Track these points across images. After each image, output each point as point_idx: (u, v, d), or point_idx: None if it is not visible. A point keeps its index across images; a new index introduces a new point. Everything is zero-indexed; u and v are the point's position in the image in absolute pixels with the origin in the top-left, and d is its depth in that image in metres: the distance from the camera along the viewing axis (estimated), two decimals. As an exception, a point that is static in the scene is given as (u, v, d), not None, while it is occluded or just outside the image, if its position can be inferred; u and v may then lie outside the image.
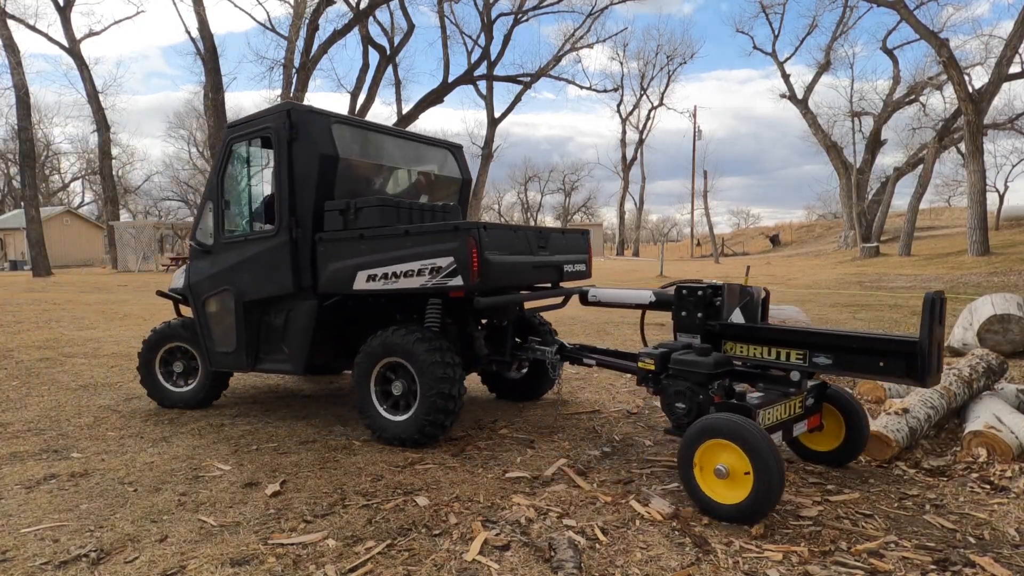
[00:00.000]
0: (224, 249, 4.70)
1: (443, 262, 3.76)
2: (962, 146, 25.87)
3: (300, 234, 4.29)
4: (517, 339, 4.81)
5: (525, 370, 5.23)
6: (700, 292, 3.59)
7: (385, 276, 3.97)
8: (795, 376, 3.34)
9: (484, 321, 4.94)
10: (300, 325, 4.39)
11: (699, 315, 3.60)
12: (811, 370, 3.28)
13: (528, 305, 4.83)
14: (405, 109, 30.74)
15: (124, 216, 53.33)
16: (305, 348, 4.38)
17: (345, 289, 4.16)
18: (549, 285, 4.71)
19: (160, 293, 5.49)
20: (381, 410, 4.14)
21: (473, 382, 5.67)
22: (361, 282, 4.07)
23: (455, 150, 5.54)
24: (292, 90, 25.14)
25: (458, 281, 3.72)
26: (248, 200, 4.85)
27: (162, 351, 5.13)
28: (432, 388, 3.86)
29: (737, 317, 3.58)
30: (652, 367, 3.53)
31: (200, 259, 4.85)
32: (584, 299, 4.46)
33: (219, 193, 4.70)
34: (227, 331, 4.71)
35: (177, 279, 5.12)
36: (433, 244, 3.80)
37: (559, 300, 4.91)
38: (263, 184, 4.89)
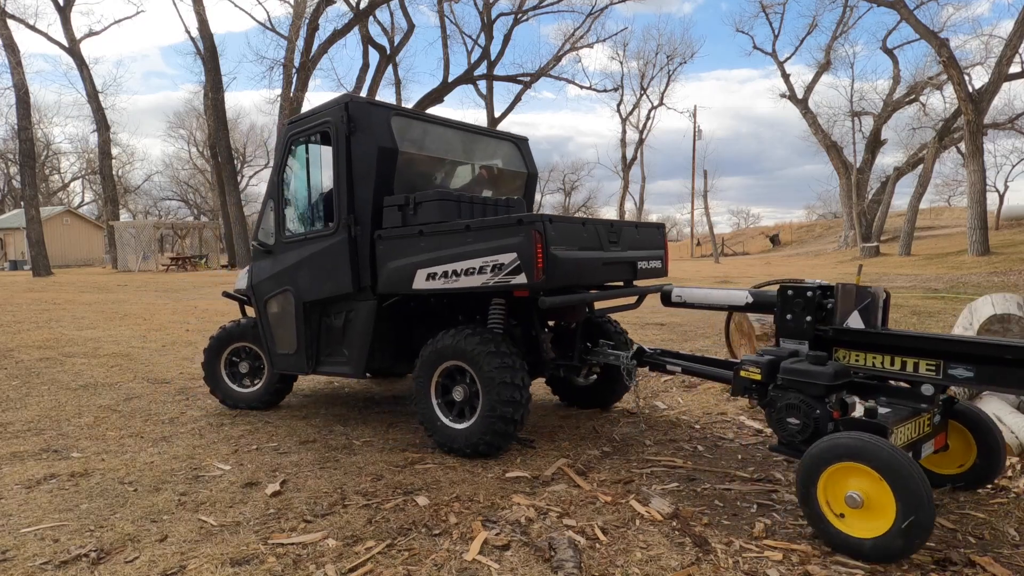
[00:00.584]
0: (284, 249, 4.60)
1: (506, 259, 3.51)
2: (962, 146, 25.88)
3: (359, 232, 4.13)
4: (587, 343, 4.55)
5: (595, 376, 4.90)
6: (809, 293, 3.22)
7: (445, 275, 3.75)
8: (928, 390, 2.97)
9: (551, 323, 4.73)
10: (359, 327, 4.24)
11: (808, 318, 3.22)
12: (946, 383, 2.91)
13: (598, 306, 4.59)
14: (405, 109, 30.71)
15: (124, 216, 53.37)
16: (364, 351, 4.23)
17: (404, 289, 3.96)
18: (621, 284, 4.41)
19: (225, 294, 5.45)
20: (443, 418, 3.92)
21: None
22: (420, 281, 3.86)
23: (520, 143, 5.33)
24: (292, 90, 25.16)
25: (522, 279, 3.46)
26: (307, 198, 4.72)
27: (227, 351, 5.08)
28: (495, 394, 3.64)
29: (855, 321, 3.19)
30: (758, 377, 3.17)
31: (262, 259, 4.78)
32: (666, 299, 4.04)
33: (279, 192, 4.61)
34: (288, 332, 4.61)
35: (241, 279, 5.06)
36: (495, 240, 3.55)
37: (632, 300, 4.59)
38: (323, 181, 4.77)
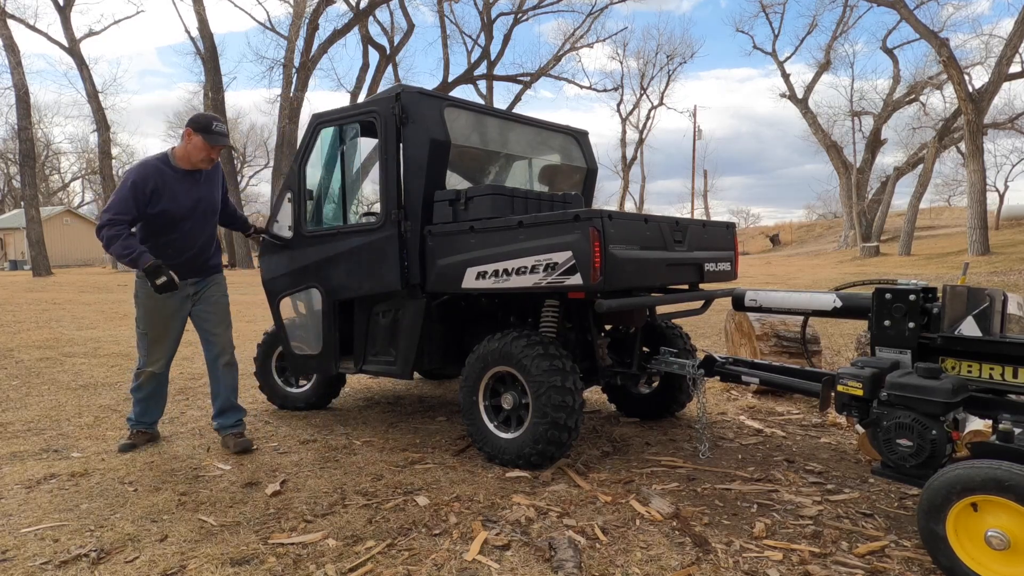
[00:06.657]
0: (307, 243, 4.36)
1: (560, 257, 3.28)
2: (962, 146, 25.90)
3: (409, 227, 3.92)
4: (646, 349, 4.31)
5: (656, 384, 4.66)
6: (912, 296, 2.87)
7: (496, 273, 3.52)
8: None
9: (608, 327, 4.48)
10: (407, 326, 4.04)
11: (910, 325, 2.88)
12: None
13: (661, 310, 4.38)
14: (405, 109, 30.74)
15: (124, 216, 53.25)
16: (412, 351, 4.04)
17: (453, 288, 3.76)
18: (686, 287, 4.17)
19: None
20: (492, 427, 3.72)
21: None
22: (470, 280, 3.64)
23: (579, 136, 5.13)
24: (292, 90, 25.18)
25: (577, 280, 3.23)
26: (341, 190, 4.43)
27: (277, 352, 5.04)
28: (545, 402, 3.43)
29: (969, 328, 2.83)
30: (859, 392, 2.79)
31: (273, 253, 4.56)
32: (739, 303, 3.68)
33: (299, 183, 4.33)
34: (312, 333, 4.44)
35: None
36: (549, 237, 3.33)
37: (698, 305, 4.35)
38: (358, 173, 4.55)
